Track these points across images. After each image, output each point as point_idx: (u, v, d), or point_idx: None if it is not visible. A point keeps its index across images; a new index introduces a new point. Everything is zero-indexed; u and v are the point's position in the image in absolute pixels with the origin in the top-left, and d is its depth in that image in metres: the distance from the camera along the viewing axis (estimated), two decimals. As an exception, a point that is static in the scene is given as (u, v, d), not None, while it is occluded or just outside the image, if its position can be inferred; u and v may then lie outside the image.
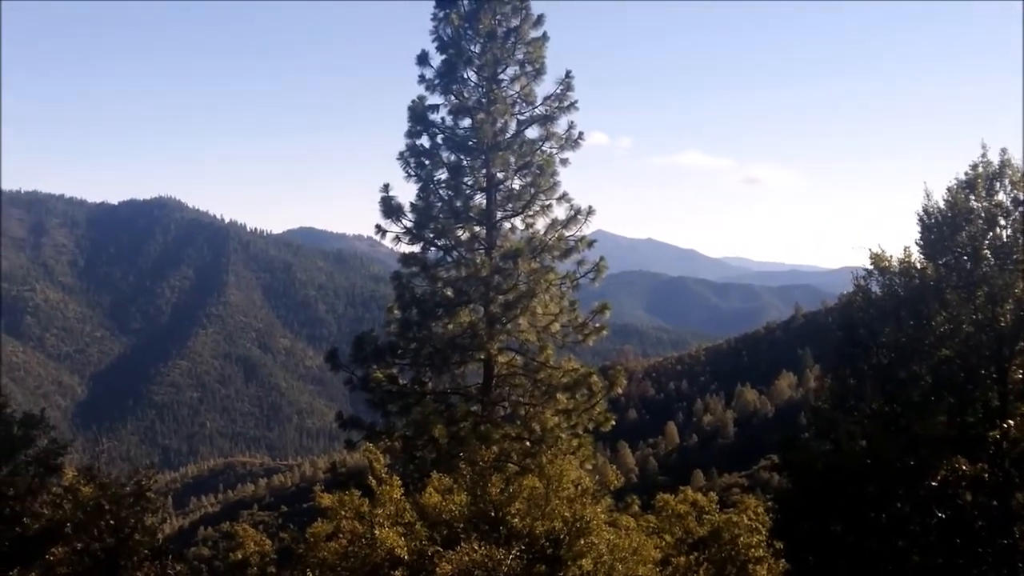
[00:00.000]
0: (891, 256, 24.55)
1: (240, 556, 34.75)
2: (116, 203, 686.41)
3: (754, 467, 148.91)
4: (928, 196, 24.57)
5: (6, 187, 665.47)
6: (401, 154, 31.40)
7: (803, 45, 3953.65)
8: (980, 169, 23.64)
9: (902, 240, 24.68)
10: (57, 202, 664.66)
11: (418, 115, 31.20)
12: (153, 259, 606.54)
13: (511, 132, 31.29)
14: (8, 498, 30.06)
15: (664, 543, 28.06)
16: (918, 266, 23.94)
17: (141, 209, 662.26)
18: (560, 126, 31.33)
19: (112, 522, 29.51)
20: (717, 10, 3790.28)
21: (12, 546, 29.16)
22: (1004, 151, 23.61)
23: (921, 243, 24.62)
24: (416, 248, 31.58)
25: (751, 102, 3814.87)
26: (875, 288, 25.11)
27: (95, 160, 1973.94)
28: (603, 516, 22.25)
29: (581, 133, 31.37)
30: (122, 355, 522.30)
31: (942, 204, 24.27)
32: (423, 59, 31.10)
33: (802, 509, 24.60)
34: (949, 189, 24.19)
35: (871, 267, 24.88)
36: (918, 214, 24.84)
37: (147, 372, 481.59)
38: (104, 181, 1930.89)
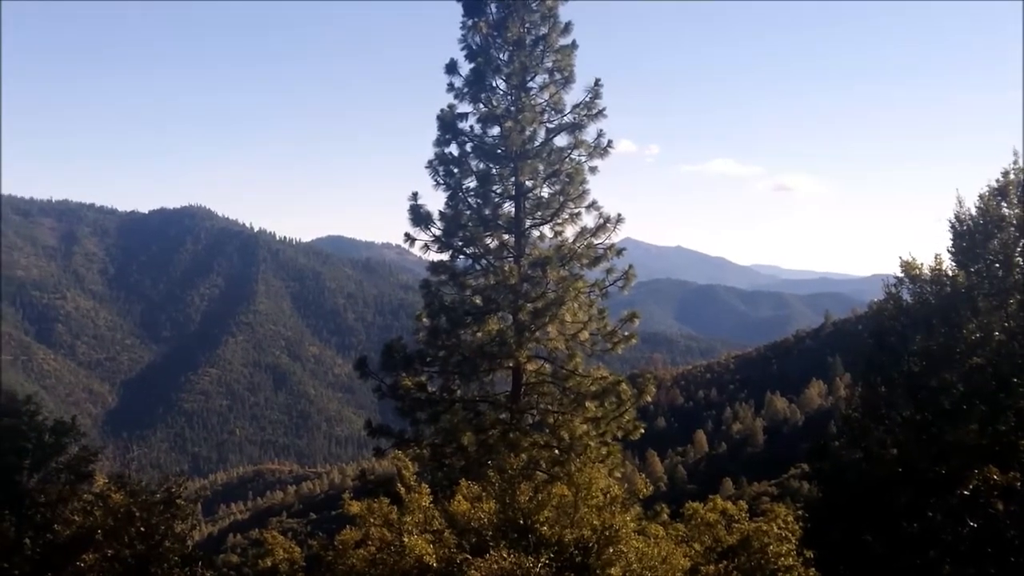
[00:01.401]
0: (922, 264, 24.40)
1: (269, 563, 34.75)
2: (146, 212, 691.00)
3: (784, 476, 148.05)
4: (960, 203, 24.42)
5: (38, 196, 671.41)
6: (430, 162, 31.45)
7: (834, 53, 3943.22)
8: (1012, 176, 23.45)
9: (933, 247, 24.43)
10: (88, 211, 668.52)
11: (447, 123, 31.23)
12: (183, 268, 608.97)
13: (540, 140, 31.26)
14: (39, 505, 30.21)
15: (693, 552, 27.93)
16: (950, 273, 23.78)
17: (171, 218, 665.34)
18: (589, 134, 31.32)
19: (142, 529, 29.59)
20: (748, 17, 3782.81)
21: (43, 553, 29.29)
22: (1037, 158, 23.43)
23: (953, 250, 24.46)
24: (445, 256, 31.63)
25: (781, 109, 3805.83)
26: (906, 296, 24.95)
27: (125, 169, 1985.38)
28: (632, 524, 22.16)
29: (610, 141, 31.32)
30: (152, 363, 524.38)
31: (974, 211, 24.10)
32: (452, 68, 31.13)
33: (832, 518, 24.43)
34: (981, 196, 24.02)
35: (902, 275, 24.73)
36: (950, 221, 24.68)
37: (177, 380, 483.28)
38: (134, 190, 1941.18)
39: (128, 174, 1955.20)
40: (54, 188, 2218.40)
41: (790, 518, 29.75)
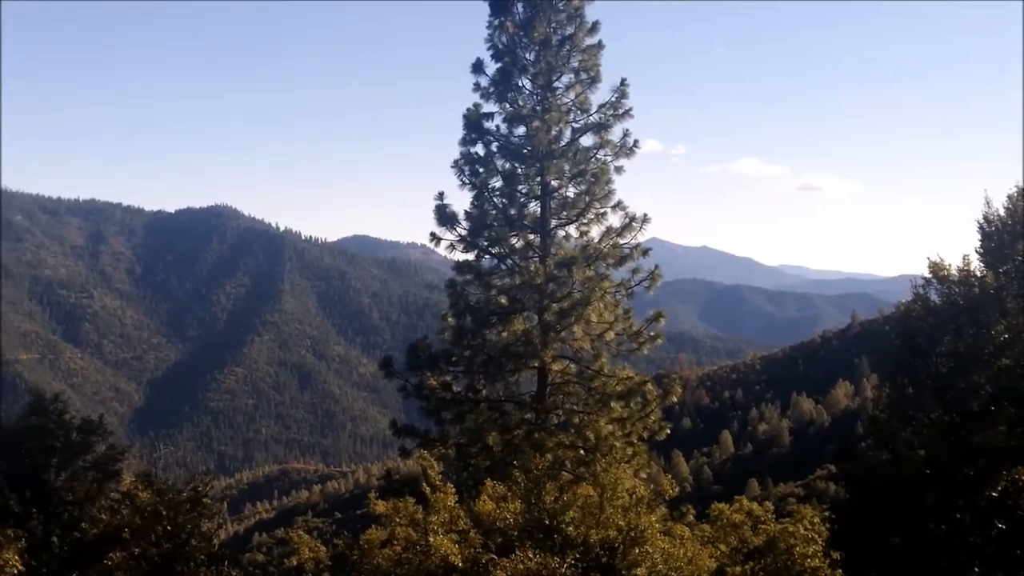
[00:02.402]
0: (950, 264, 24.29)
1: (295, 562, 34.83)
2: (173, 211, 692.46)
3: (810, 477, 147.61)
4: (988, 204, 24.32)
5: (65, 196, 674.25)
6: (456, 162, 31.47)
7: (861, 51, 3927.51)
8: (1042, 176, 23.29)
9: (961, 248, 24.30)
10: (115, 210, 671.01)
11: (473, 123, 31.23)
12: (209, 267, 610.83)
13: (566, 140, 31.23)
14: (67, 503, 30.44)
15: (719, 553, 27.88)
16: (978, 274, 23.68)
17: (197, 217, 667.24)
18: (615, 134, 31.27)
19: (169, 527, 29.75)
20: (774, 16, 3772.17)
21: (71, 551, 29.48)
22: (1066, 158, 23.25)
23: (981, 251, 24.36)
24: (470, 256, 31.63)
25: (807, 108, 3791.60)
26: (934, 296, 24.85)
27: (152, 169, 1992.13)
28: (658, 525, 22.12)
29: (636, 141, 31.26)
30: (179, 362, 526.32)
31: (1002, 212, 24.01)
32: (478, 67, 31.12)
33: (859, 519, 24.35)
34: (1010, 196, 23.93)
35: (930, 275, 24.62)
36: (978, 222, 24.59)
37: (203, 379, 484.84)
38: (161, 190, 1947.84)
39: (155, 174, 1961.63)
40: (81, 188, 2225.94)
41: (816, 519, 29.64)
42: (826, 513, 29.73)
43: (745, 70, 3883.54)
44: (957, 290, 24.12)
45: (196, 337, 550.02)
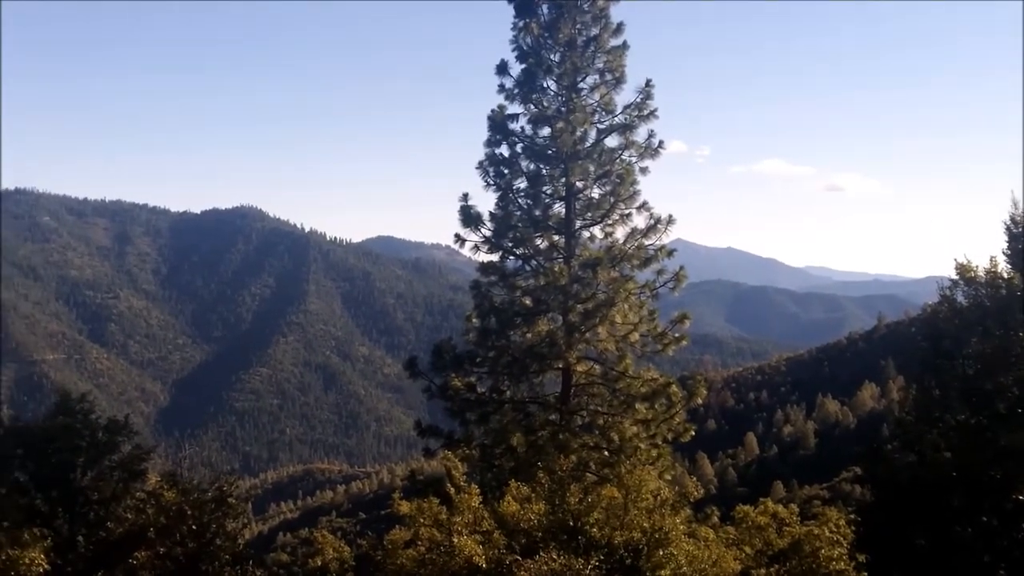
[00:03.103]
0: (977, 266, 24.15)
1: (319, 562, 34.96)
2: (199, 212, 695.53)
3: (835, 479, 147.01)
4: (1015, 205, 24.18)
5: (92, 196, 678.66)
6: (480, 163, 31.51)
7: (887, 51, 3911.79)
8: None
9: (988, 249, 24.10)
10: (141, 211, 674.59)
11: (498, 124, 31.25)
12: (234, 267, 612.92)
13: (590, 141, 31.23)
14: (93, 502, 30.58)
15: (744, 555, 27.80)
16: (1005, 276, 23.53)
17: (223, 218, 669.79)
18: (640, 135, 31.25)
19: (194, 527, 29.88)
20: (800, 15, 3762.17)
21: (96, 550, 29.62)
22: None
23: (1008, 252, 24.22)
24: (495, 257, 31.66)
25: (833, 108, 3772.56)
26: (961, 298, 24.72)
27: (178, 170, 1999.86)
28: (682, 527, 22.09)
29: (661, 142, 31.23)
30: (204, 362, 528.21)
31: (1030, 213, 23.84)
32: (503, 69, 31.15)
33: (885, 522, 24.23)
34: (1037, 197, 23.75)
35: (957, 277, 24.50)
36: (1005, 223, 24.45)
37: (228, 379, 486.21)
38: (187, 190, 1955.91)
39: (181, 175, 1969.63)
40: (108, 189, 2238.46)
41: (842, 522, 29.56)
42: (851, 515, 29.64)
43: (771, 70, 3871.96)
44: (984, 291, 23.98)
45: (221, 338, 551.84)
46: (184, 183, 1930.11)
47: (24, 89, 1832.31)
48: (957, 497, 22.32)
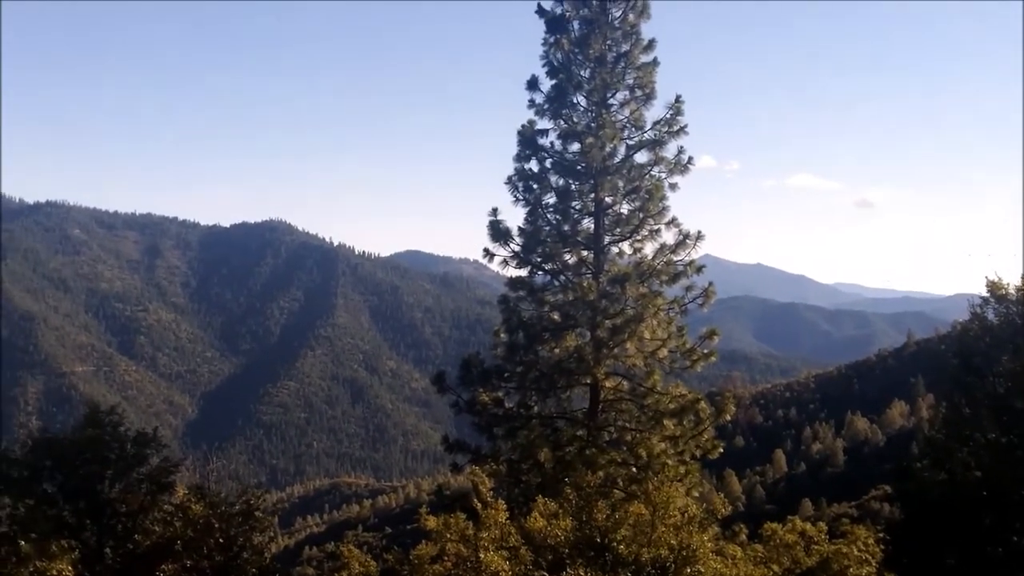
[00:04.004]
0: (1008, 283, 24.01)
1: (345, 576, 34.94)
2: (228, 226, 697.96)
3: (864, 497, 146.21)
4: (1048, 222, 23.98)
5: (122, 209, 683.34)
6: (510, 178, 31.53)
7: (918, 65, 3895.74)
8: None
9: (1020, 267, 24.02)
10: (171, 224, 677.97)
11: (527, 139, 31.28)
12: (263, 281, 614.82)
13: (620, 157, 31.22)
14: (120, 515, 30.67)
15: (771, 573, 27.64)
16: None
17: (252, 232, 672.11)
18: (669, 151, 31.19)
19: (221, 540, 29.91)
20: (830, 30, 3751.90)
21: (123, 562, 29.69)
22: None
23: (1040, 270, 24.06)
24: (523, 272, 31.65)
25: (863, 123, 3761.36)
26: (991, 316, 24.58)
27: (208, 183, 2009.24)
28: (710, 544, 21.97)
29: (691, 158, 31.17)
30: (232, 375, 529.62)
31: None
32: (533, 84, 31.21)
33: (915, 540, 24.09)
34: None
35: (988, 294, 24.36)
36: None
37: (256, 392, 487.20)
38: (217, 204, 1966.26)
39: (211, 188, 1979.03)
40: (138, 202, 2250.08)
41: (871, 540, 29.36)
42: (880, 534, 29.46)
43: (800, 85, 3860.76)
44: (1015, 309, 23.86)
45: (250, 351, 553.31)
46: (214, 197, 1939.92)
47: (57, 102, 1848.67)
48: (988, 516, 22.17)
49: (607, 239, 31.47)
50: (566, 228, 31.29)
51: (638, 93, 31.21)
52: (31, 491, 30.03)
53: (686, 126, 31.19)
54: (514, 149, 31.63)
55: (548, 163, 31.47)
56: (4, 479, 29.88)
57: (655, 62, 31.17)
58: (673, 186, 31.30)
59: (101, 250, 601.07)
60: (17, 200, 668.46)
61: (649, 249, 31.36)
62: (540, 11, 31.38)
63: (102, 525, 30.33)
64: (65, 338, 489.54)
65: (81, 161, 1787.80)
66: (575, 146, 31.03)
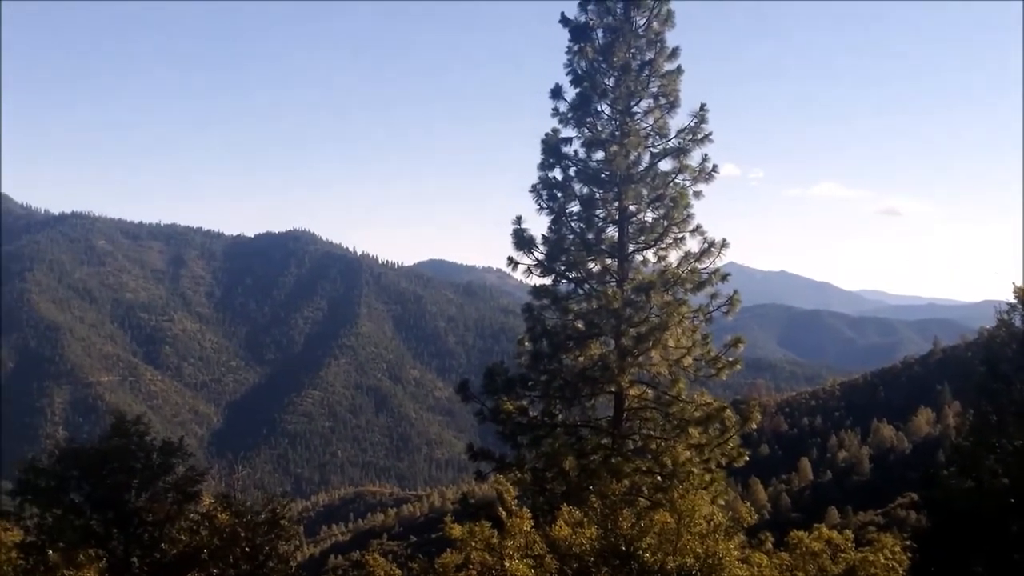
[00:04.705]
0: (1035, 290, 23.88)
1: (370, 585, 34.95)
2: (252, 236, 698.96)
3: (890, 505, 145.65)
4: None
5: (147, 220, 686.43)
6: (533, 187, 31.57)
7: (943, 73, 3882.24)
8: None
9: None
10: (195, 235, 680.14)
11: (551, 148, 31.31)
12: (287, 291, 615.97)
13: (644, 165, 31.22)
14: (147, 524, 30.76)
15: (798, 582, 27.54)
16: (1064, 300, 23.25)
17: (276, 241, 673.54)
18: (694, 159, 31.17)
19: (247, 549, 29.97)
20: (854, 39, 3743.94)
21: (150, 571, 29.78)
22: None
23: (1067, 276, 23.93)
24: (547, 280, 31.68)
25: (888, 131, 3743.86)
26: (1018, 322, 24.46)
27: (232, 194, 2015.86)
28: (736, 553, 21.92)
29: (715, 166, 31.14)
30: (257, 384, 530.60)
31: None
32: (556, 93, 31.25)
33: (942, 549, 23.97)
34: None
35: (1015, 301, 24.23)
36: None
37: (280, 401, 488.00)
38: (240, 214, 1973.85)
39: (234, 198, 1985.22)
40: (162, 212, 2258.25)
41: (897, 548, 29.22)
42: (907, 542, 29.32)
43: (825, 93, 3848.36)
44: (1043, 316, 23.72)
45: (274, 360, 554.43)
46: (238, 207, 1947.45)
47: (83, 114, 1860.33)
48: (1015, 523, 22.04)
49: (631, 247, 31.46)
50: (590, 236, 31.30)
51: (662, 101, 31.21)
52: (58, 501, 30.15)
53: (710, 134, 31.18)
54: (538, 158, 31.72)
55: (572, 171, 31.51)
56: (32, 489, 30.01)
57: (679, 70, 31.17)
58: (697, 194, 31.30)
59: (126, 260, 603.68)
60: (43, 211, 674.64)
61: (674, 257, 31.35)
62: (564, 20, 31.42)
63: (129, 534, 30.43)
64: (91, 348, 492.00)
65: (106, 172, 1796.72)
66: (599, 154, 31.07)
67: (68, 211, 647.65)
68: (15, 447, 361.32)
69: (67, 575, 26.29)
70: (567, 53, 31.13)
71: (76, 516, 29.93)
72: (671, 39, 31.30)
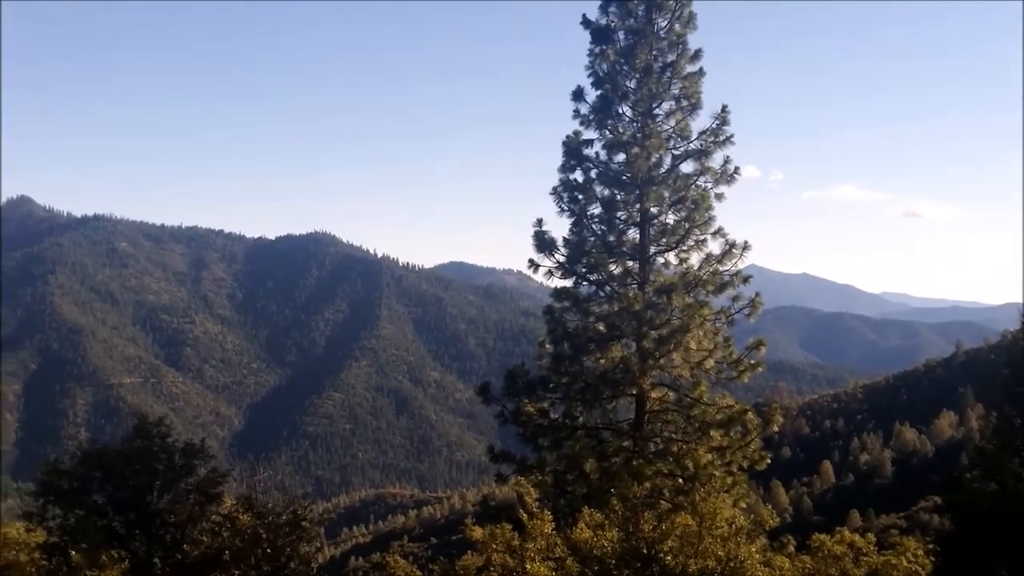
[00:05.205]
0: (1060, 292, 23.75)
1: (391, 587, 34.95)
2: (273, 238, 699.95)
3: (913, 508, 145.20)
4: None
5: (168, 222, 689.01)
6: (555, 189, 31.56)
7: (964, 75, 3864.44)
8: None
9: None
10: (216, 237, 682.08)
11: (572, 150, 31.31)
12: (308, 293, 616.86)
13: (665, 167, 31.20)
14: (170, 525, 30.85)
15: (820, 585, 27.43)
16: (1089, 303, 23.13)
17: (297, 244, 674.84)
18: (715, 161, 31.13)
19: (269, 550, 30.00)
20: (873, 42, 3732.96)
21: (173, 572, 29.86)
22: None
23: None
24: (568, 283, 31.68)
25: (910, 133, 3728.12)
26: (1043, 325, 24.34)
27: (253, 197, 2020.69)
28: (757, 556, 21.87)
29: (737, 168, 31.08)
30: (278, 386, 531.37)
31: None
32: (578, 95, 31.25)
33: (966, 552, 23.85)
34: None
35: (1039, 303, 24.11)
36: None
37: (301, 403, 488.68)
38: (262, 217, 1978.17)
39: (256, 201, 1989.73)
40: (184, 215, 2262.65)
41: (920, 552, 29.05)
42: (930, 545, 29.17)
43: (845, 94, 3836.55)
44: (1068, 319, 23.59)
45: (295, 362, 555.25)
46: (259, 209, 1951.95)
47: (104, 116, 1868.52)
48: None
49: (653, 249, 31.41)
50: (611, 238, 31.27)
51: (684, 103, 31.18)
52: (81, 502, 30.27)
53: (732, 136, 31.14)
54: (559, 160, 31.72)
55: (593, 173, 31.50)
56: (55, 490, 30.13)
57: (701, 72, 31.14)
58: (719, 196, 31.24)
59: (148, 263, 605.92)
60: (65, 214, 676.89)
61: (695, 259, 31.29)
62: (585, 22, 31.41)
63: (151, 535, 30.52)
64: (113, 350, 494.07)
65: (128, 175, 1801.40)
66: (620, 156, 31.03)
67: (90, 214, 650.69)
68: (38, 449, 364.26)
69: (90, 576, 26.38)
70: (588, 55, 31.13)
71: (99, 517, 30.04)
72: (693, 41, 31.32)
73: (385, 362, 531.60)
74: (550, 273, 31.58)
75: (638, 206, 31.00)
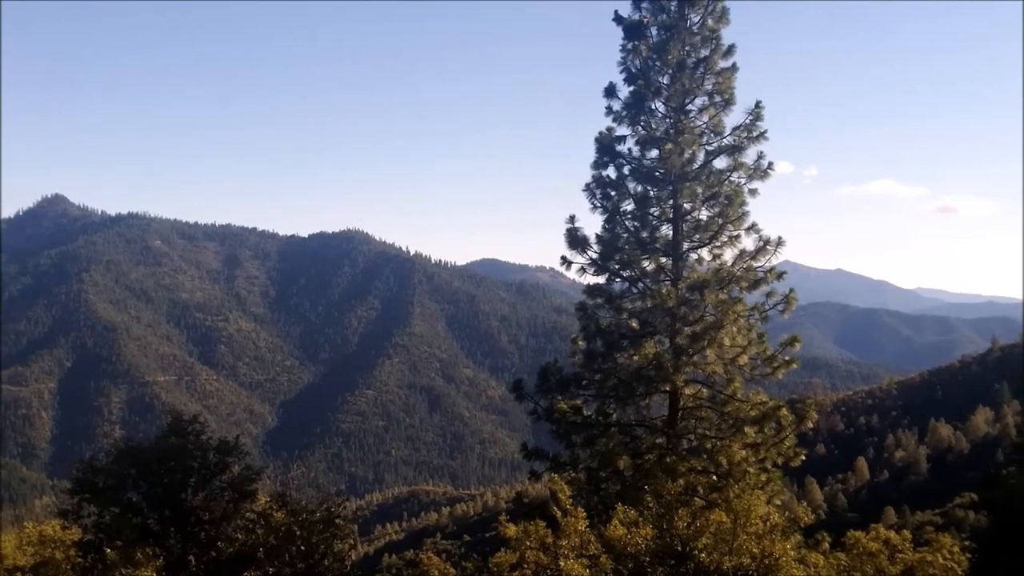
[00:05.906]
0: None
1: (425, 584, 34.98)
2: (306, 236, 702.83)
3: (949, 505, 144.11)
4: None
5: (202, 220, 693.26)
6: (587, 185, 31.47)
7: (999, 69, 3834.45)
8: None
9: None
10: (250, 235, 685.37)
11: (605, 146, 31.22)
12: (341, 290, 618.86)
13: (699, 163, 31.04)
14: (204, 522, 30.99)
15: (855, 582, 27.28)
16: None
17: (330, 242, 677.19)
18: (749, 156, 30.91)
19: (303, 548, 30.10)
20: (910, 35, 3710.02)
21: (207, 569, 29.99)
22: None
23: None
24: (601, 279, 31.59)
25: (944, 128, 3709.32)
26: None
27: (286, 194, 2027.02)
28: (792, 553, 21.79)
29: (771, 163, 30.86)
30: (311, 384, 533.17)
31: None
32: (610, 91, 31.14)
33: (1003, 549, 23.68)
34: None
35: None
36: None
37: (335, 401, 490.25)
38: (295, 215, 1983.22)
39: (289, 199, 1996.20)
40: (217, 214, 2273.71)
41: (956, 548, 28.86)
42: (966, 542, 28.96)
43: (880, 89, 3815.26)
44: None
45: (328, 360, 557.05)
46: (292, 207, 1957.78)
47: (138, 115, 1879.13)
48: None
49: (686, 245, 31.27)
50: (644, 235, 31.15)
51: (717, 99, 31.00)
52: (116, 499, 30.43)
53: (766, 132, 30.92)
54: (591, 157, 31.63)
55: (626, 170, 31.39)
56: (90, 488, 30.30)
57: (734, 67, 30.96)
58: (753, 192, 31.05)
59: (182, 261, 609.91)
60: (100, 212, 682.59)
61: (728, 255, 31.13)
62: (618, 18, 31.29)
63: (186, 533, 30.65)
64: (147, 348, 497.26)
65: (162, 173, 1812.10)
66: (653, 152, 30.92)
67: (124, 212, 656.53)
68: (73, 446, 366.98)
69: (125, 573, 26.50)
70: (620, 51, 31.00)
71: (134, 515, 30.19)
72: (726, 36, 31.14)
73: (418, 359, 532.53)
74: (583, 270, 31.48)
75: (671, 202, 30.88)
